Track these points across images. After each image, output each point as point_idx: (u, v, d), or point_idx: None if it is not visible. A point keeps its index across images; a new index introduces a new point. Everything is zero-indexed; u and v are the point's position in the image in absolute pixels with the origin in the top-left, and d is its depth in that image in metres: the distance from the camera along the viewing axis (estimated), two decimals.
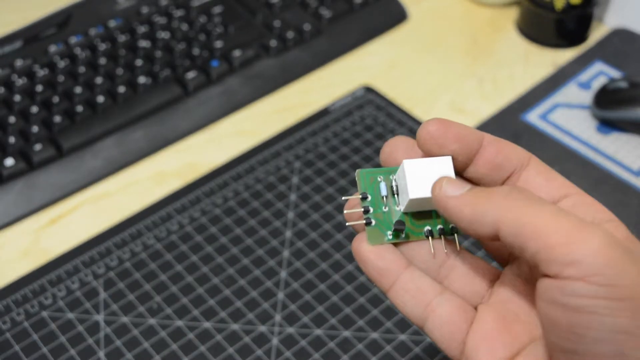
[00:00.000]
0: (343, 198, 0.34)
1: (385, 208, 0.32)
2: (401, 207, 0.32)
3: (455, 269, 0.32)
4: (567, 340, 0.26)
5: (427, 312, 0.31)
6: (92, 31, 0.69)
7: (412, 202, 0.31)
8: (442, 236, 0.33)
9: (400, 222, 0.32)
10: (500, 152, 0.31)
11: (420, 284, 0.31)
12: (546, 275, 0.26)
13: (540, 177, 0.31)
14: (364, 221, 0.32)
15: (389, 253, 0.32)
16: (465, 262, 0.32)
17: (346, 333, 0.49)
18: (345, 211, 0.33)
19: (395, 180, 0.33)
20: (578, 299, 0.25)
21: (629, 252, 0.25)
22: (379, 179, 0.33)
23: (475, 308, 0.31)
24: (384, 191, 0.33)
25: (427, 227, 0.33)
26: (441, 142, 0.31)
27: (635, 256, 0.26)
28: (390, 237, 0.32)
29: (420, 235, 0.32)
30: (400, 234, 0.32)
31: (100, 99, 0.63)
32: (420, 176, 0.31)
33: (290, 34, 0.69)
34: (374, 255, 0.31)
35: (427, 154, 0.31)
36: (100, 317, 0.51)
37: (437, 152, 0.31)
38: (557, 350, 0.27)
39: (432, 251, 0.32)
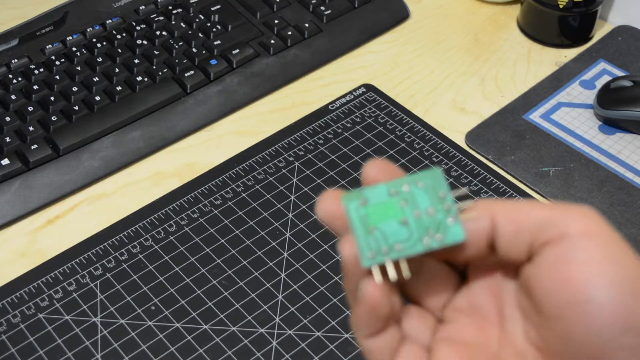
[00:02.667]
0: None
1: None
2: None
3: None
4: (570, 294, 0.27)
5: None
6: (90, 29, 0.68)
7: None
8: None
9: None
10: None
11: None
12: (545, 247, 0.28)
13: None
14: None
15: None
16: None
17: (346, 335, 0.49)
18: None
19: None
20: (580, 253, 0.27)
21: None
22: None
23: None
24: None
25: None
26: None
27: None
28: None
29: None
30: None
31: (98, 98, 0.62)
32: None
33: (290, 32, 0.68)
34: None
35: None
36: (97, 319, 0.50)
37: None
38: (555, 307, 0.28)
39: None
